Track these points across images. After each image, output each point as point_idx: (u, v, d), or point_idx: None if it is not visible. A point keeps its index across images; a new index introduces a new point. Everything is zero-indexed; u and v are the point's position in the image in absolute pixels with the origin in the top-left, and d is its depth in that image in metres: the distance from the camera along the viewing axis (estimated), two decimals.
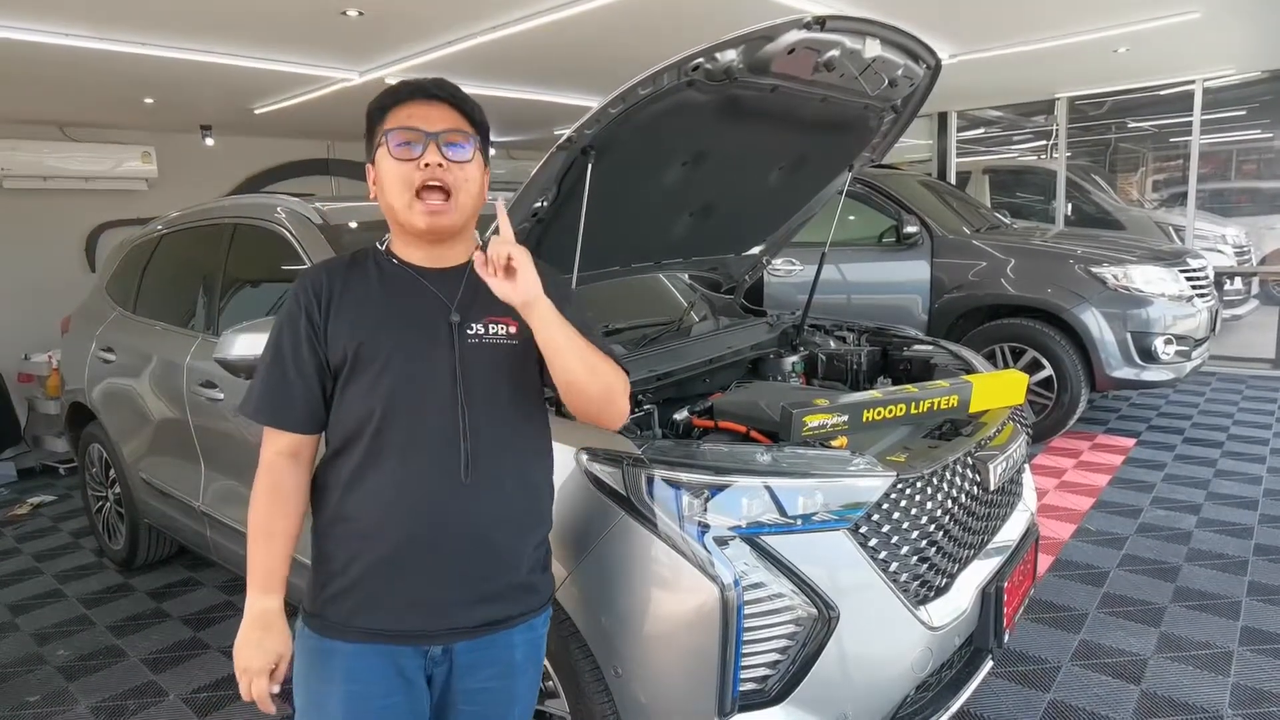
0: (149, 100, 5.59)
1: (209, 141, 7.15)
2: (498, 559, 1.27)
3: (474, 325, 1.26)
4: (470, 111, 1.26)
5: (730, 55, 1.71)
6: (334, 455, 1.25)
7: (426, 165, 1.19)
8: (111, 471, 3.59)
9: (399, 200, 1.21)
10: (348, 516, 1.24)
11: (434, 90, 1.24)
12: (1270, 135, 12.74)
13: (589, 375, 1.23)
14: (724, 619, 1.50)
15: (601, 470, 1.64)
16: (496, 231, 1.17)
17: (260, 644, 1.21)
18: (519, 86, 5.86)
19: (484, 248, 1.18)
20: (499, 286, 1.14)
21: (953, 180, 8.81)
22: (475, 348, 1.25)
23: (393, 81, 1.32)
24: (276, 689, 1.24)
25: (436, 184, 1.20)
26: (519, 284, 1.13)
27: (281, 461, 1.25)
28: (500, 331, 1.27)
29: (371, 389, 1.21)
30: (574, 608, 1.65)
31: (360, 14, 3.70)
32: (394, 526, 1.22)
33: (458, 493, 1.23)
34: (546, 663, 1.72)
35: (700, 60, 1.68)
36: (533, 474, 1.35)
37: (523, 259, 1.13)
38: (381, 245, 1.31)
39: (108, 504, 3.72)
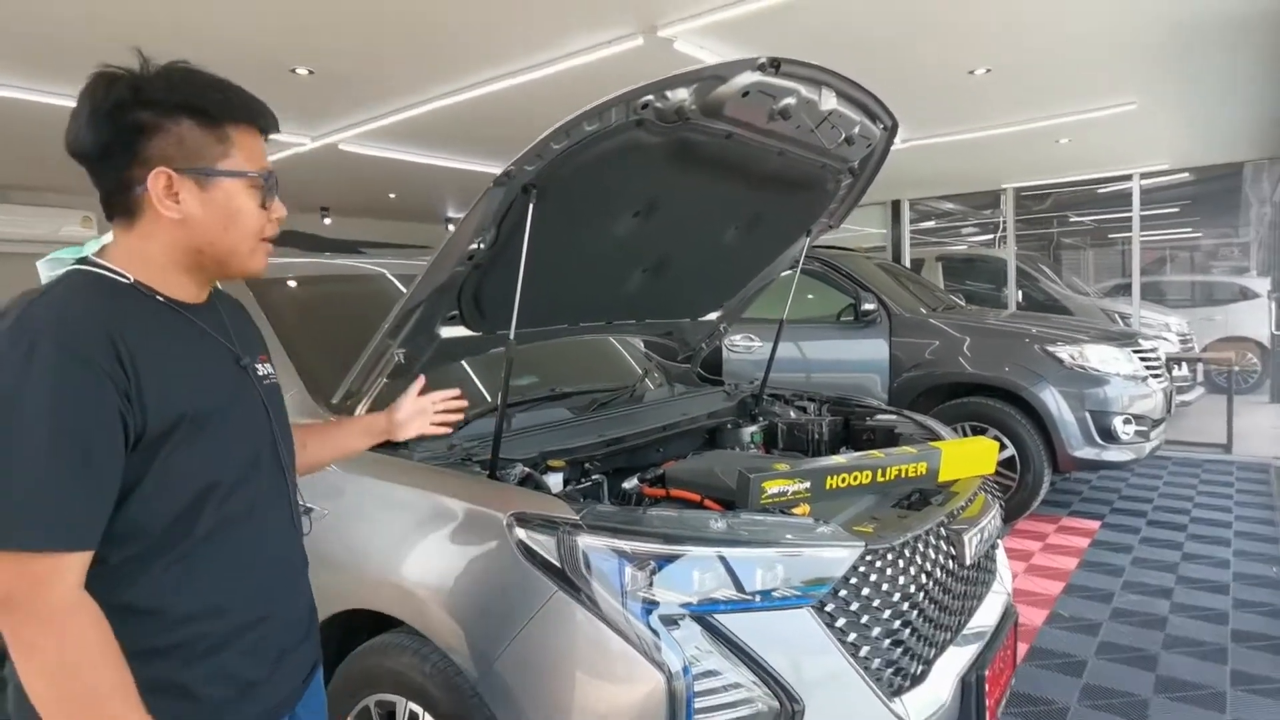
0: None
1: None
2: (310, 600, 1.23)
3: (256, 365, 1.15)
4: None
5: (682, 94, 1.62)
6: (150, 552, 0.96)
7: (277, 219, 1.11)
8: None
9: (247, 243, 1.07)
10: (207, 612, 1.01)
11: (277, 126, 1.13)
12: (1199, 234, 13.51)
13: None
14: (671, 713, 1.29)
15: (533, 539, 1.44)
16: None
17: None
18: (477, 159, 5.84)
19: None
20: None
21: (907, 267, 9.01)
22: (270, 389, 1.16)
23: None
24: None
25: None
26: None
27: (86, 596, 0.90)
28: (272, 370, 1.20)
29: (210, 454, 1.01)
30: (496, 699, 1.41)
31: (310, 73, 3.62)
32: (258, 603, 1.09)
33: (295, 545, 1.18)
34: None
35: (650, 97, 1.59)
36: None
37: None
38: (127, 279, 1.00)
39: None
